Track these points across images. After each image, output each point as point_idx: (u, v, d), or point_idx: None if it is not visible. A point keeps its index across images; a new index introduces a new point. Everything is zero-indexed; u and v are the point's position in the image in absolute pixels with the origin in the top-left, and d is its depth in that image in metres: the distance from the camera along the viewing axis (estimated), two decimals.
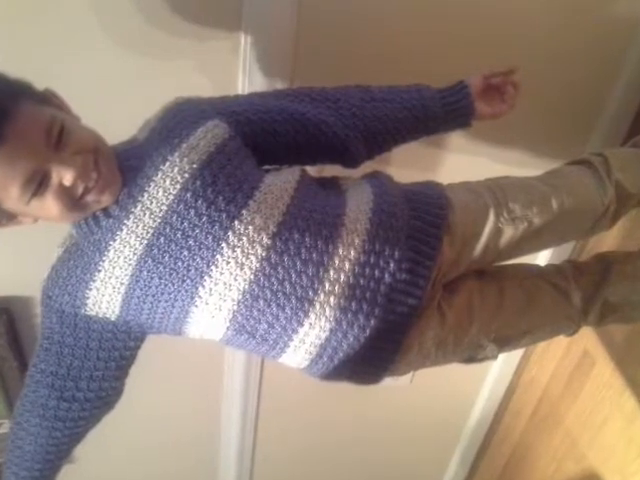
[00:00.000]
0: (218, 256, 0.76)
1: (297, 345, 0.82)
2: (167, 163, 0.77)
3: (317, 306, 0.78)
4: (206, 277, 0.76)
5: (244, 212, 0.77)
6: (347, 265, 0.79)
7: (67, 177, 0.71)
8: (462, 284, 0.95)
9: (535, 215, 0.93)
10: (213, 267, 0.76)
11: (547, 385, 1.85)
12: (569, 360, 1.73)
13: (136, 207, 0.76)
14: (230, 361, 1.65)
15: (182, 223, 0.75)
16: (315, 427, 1.97)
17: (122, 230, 0.76)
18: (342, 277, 0.79)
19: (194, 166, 0.77)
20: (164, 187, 0.76)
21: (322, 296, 0.78)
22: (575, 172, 1.04)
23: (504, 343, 0.98)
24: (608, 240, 1.53)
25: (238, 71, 1.18)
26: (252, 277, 0.76)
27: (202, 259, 0.76)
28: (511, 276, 1.02)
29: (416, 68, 1.11)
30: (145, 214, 0.76)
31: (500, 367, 1.95)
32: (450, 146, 1.40)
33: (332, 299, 0.79)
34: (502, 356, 1.90)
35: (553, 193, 0.95)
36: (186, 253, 0.76)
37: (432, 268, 0.84)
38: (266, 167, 0.91)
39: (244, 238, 0.76)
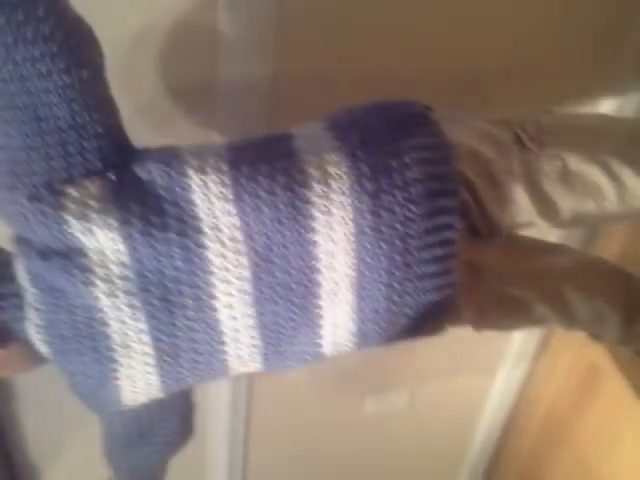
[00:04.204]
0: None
1: (332, 334, 0.85)
2: None
3: (324, 314, 0.82)
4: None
5: None
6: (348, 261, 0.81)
7: None
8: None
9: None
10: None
11: (553, 401, 1.87)
12: (576, 373, 1.75)
13: None
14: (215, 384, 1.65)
15: None
16: (309, 455, 1.96)
17: None
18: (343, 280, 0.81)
19: None
20: None
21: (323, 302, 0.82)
22: None
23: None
24: None
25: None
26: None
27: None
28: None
29: (416, 48, 1.12)
30: None
31: (502, 384, 1.99)
32: None
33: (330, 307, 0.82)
34: (504, 372, 1.94)
35: None
36: None
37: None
38: None
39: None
